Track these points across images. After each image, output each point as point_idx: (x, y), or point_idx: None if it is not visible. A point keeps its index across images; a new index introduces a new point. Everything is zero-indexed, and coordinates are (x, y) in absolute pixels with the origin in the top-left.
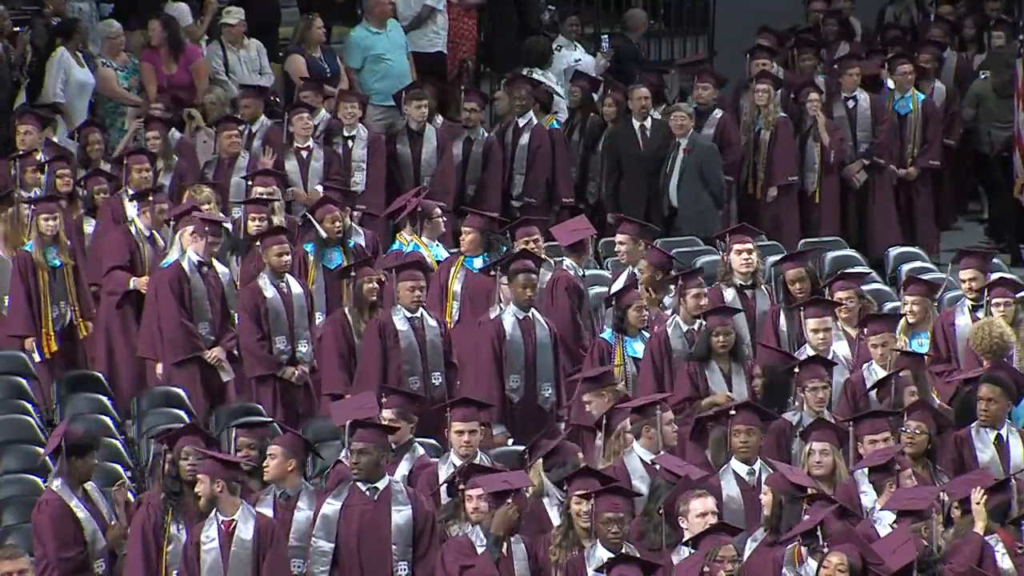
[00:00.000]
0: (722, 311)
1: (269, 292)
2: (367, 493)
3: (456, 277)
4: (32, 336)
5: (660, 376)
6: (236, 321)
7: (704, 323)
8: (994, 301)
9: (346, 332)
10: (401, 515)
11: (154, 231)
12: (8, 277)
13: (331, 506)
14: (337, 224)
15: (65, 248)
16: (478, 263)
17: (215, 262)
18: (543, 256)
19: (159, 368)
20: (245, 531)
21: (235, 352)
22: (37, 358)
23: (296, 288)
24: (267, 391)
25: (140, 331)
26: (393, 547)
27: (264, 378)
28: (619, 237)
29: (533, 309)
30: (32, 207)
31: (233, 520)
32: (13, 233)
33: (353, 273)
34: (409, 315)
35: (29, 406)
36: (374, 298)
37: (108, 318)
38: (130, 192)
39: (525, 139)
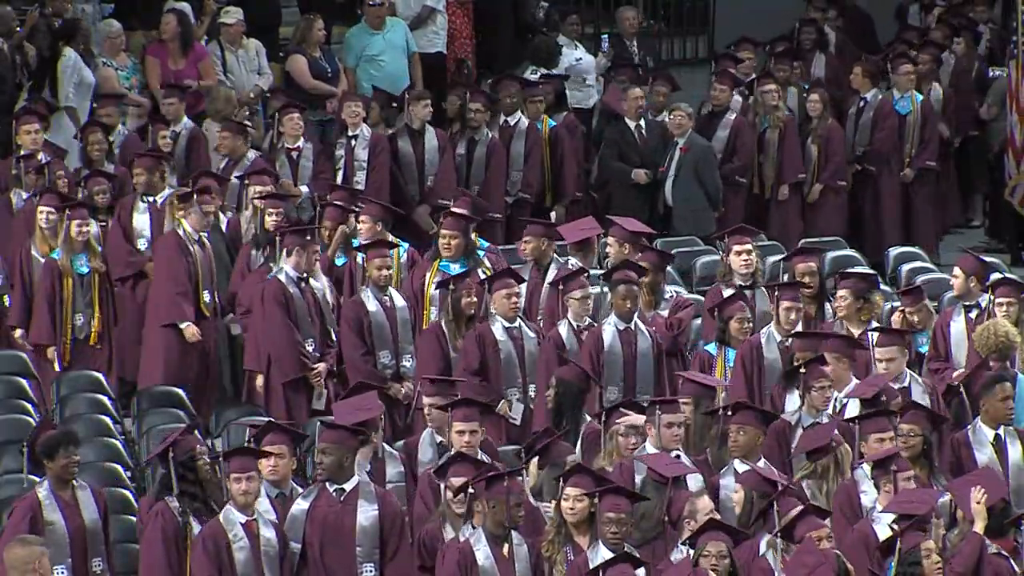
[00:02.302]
0: (809, 335)
1: (372, 306)
2: (334, 494)
3: (432, 282)
4: (54, 345)
5: (751, 386)
6: (335, 337)
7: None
8: (997, 301)
9: (442, 344)
10: (366, 516)
11: (202, 233)
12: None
13: (299, 506)
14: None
15: (97, 255)
16: (455, 268)
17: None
18: (641, 264)
19: (259, 380)
20: (267, 530)
21: (333, 369)
22: (57, 368)
23: (400, 302)
24: None
25: (246, 344)
26: (358, 548)
27: None
28: (608, 239)
29: (636, 319)
30: (67, 213)
31: (255, 519)
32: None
33: (452, 286)
34: (507, 325)
35: (29, 406)
36: (472, 311)
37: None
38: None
39: (519, 138)
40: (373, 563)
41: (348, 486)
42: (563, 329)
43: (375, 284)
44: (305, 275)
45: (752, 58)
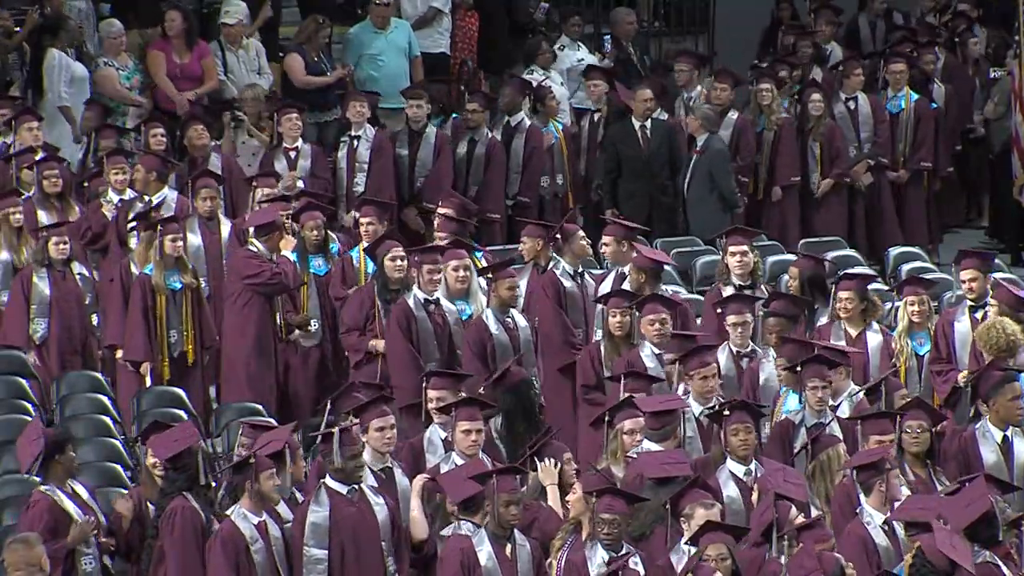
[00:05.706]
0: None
1: (494, 328)
2: (348, 495)
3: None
4: (148, 361)
5: None
6: (462, 360)
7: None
8: (991, 301)
9: (594, 364)
10: (382, 511)
11: (273, 255)
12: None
13: (318, 513)
14: (316, 232)
15: (188, 270)
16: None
17: (443, 300)
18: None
19: None
20: (274, 528)
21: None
22: (148, 383)
23: (522, 322)
24: None
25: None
26: (383, 544)
27: None
28: (604, 238)
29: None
30: (161, 227)
31: (264, 520)
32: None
33: (603, 305)
34: (656, 351)
35: (29, 406)
36: (622, 332)
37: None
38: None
39: (519, 139)
40: (393, 557)
41: (357, 485)
42: (723, 356)
43: (502, 305)
44: (435, 297)
45: (685, 71)
